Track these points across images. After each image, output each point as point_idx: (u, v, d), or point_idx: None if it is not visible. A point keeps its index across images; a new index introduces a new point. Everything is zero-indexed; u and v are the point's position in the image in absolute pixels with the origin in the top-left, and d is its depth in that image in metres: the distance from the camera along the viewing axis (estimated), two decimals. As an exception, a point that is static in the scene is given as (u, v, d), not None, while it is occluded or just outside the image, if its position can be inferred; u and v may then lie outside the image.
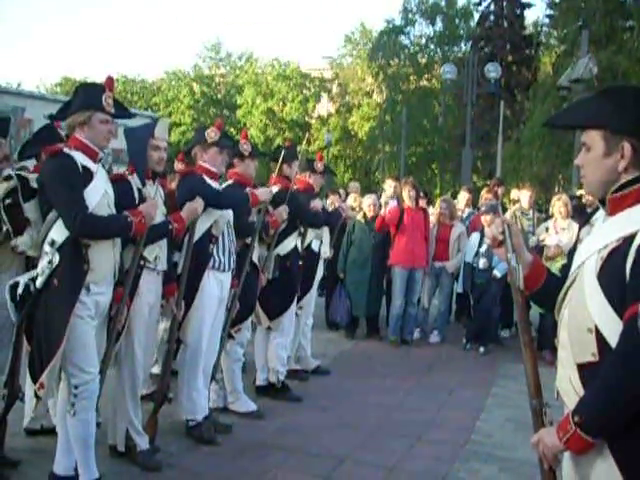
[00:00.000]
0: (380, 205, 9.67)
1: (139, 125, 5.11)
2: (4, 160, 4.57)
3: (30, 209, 4.02)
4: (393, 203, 9.54)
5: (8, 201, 4.02)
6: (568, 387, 2.28)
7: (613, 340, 2.11)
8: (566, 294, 2.36)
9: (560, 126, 2.67)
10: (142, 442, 4.76)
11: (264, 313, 6.36)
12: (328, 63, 46.54)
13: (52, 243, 3.87)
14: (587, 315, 2.18)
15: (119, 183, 4.46)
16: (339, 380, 7.31)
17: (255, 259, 5.94)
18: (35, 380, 3.90)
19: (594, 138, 2.28)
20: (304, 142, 26.29)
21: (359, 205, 9.80)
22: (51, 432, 4.70)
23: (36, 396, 3.97)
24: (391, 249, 9.02)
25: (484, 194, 10.31)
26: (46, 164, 4.05)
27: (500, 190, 10.46)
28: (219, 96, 48.63)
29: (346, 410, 6.26)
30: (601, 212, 2.43)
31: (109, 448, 4.81)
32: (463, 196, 10.71)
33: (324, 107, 44.11)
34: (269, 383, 6.53)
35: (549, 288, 2.55)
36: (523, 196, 9.53)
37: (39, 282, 3.87)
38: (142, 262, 4.55)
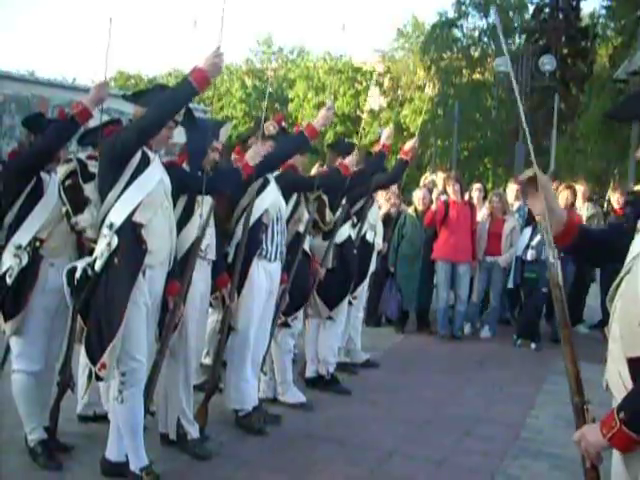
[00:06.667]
0: (431, 200, 9.59)
1: (200, 118, 5.10)
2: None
3: (90, 189, 4.08)
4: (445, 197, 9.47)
5: (68, 182, 4.09)
6: (617, 381, 2.23)
7: None
8: (619, 284, 2.30)
9: (625, 118, 2.59)
10: (193, 431, 4.81)
11: (323, 304, 6.35)
12: (380, 56, 46.29)
13: (110, 226, 3.92)
14: (639, 309, 2.12)
15: (173, 168, 4.50)
16: (388, 374, 7.29)
17: (307, 248, 5.92)
18: (95, 362, 3.92)
19: None
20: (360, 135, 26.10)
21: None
22: (103, 419, 4.77)
23: (97, 378, 3.99)
24: (435, 243, 9.00)
25: None
26: (107, 140, 4.11)
27: (554, 185, 10.21)
28: (270, 90, 48.71)
29: (395, 404, 6.24)
30: None
31: (160, 436, 4.88)
32: (512, 188, 10.27)
33: (375, 101, 43.84)
34: (318, 375, 6.54)
35: (584, 241, 2.56)
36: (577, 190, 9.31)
37: (98, 265, 3.91)
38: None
